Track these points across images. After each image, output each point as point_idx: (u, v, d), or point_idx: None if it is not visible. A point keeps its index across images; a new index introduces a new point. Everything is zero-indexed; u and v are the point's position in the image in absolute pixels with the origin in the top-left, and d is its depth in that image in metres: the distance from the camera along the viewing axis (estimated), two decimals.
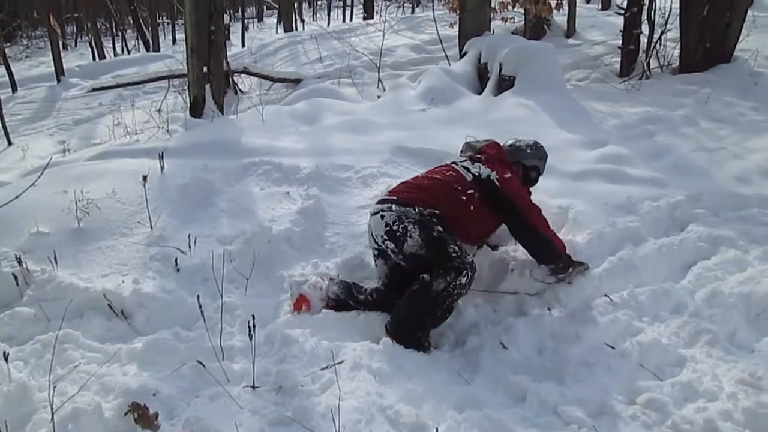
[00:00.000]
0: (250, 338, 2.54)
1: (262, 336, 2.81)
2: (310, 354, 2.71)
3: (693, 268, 3.31)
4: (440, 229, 2.97)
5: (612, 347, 2.79)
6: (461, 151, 3.45)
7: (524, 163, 3.39)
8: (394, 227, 2.98)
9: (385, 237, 3.01)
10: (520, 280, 3.27)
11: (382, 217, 3.03)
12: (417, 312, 2.87)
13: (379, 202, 3.16)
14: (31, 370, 2.66)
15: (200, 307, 2.69)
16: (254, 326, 2.52)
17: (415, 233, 2.94)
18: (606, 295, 3.12)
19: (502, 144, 3.44)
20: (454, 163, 3.29)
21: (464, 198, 3.09)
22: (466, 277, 2.88)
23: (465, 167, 3.21)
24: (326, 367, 2.62)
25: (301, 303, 3.09)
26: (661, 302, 3.09)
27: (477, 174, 3.15)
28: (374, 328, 2.98)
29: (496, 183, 3.12)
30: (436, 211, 3.02)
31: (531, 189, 3.46)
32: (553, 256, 3.17)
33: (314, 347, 2.75)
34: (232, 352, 2.77)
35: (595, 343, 2.83)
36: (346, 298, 3.13)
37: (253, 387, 2.51)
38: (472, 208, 3.10)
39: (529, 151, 3.41)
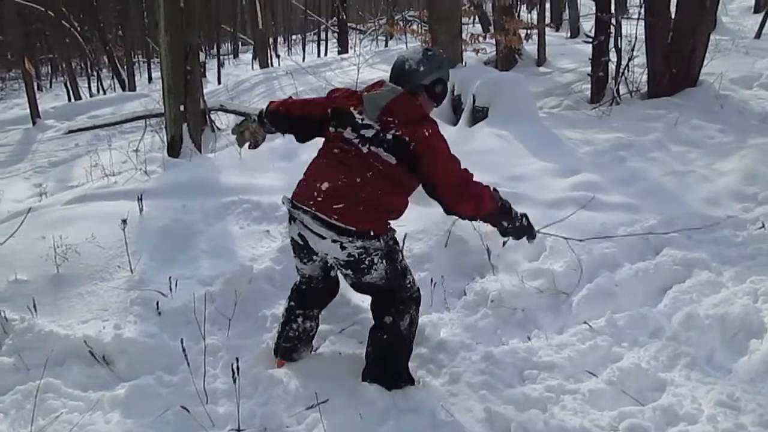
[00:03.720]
0: (234, 381, 2.53)
1: (246, 378, 2.80)
2: (294, 394, 2.72)
3: (669, 291, 3.39)
4: (401, 255, 2.84)
5: (593, 374, 2.83)
6: (360, 106, 2.70)
7: (424, 84, 2.73)
8: (360, 259, 2.65)
9: (342, 264, 2.71)
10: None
11: (343, 247, 2.63)
12: (395, 356, 2.83)
13: (332, 228, 2.58)
14: (12, 422, 2.63)
15: (184, 350, 2.69)
16: (238, 369, 2.52)
17: (381, 265, 2.70)
18: (585, 322, 3.18)
19: (392, 71, 2.77)
20: (367, 142, 2.63)
21: (400, 187, 2.69)
22: (420, 302, 2.88)
23: (385, 147, 2.60)
24: (311, 407, 2.63)
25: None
26: (640, 327, 3.15)
27: (398, 152, 2.60)
28: (358, 366, 2.98)
29: (417, 156, 2.59)
30: (390, 223, 2.74)
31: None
32: (487, 219, 2.81)
33: (298, 387, 2.75)
34: (216, 395, 2.76)
35: (577, 370, 2.87)
36: (304, 346, 3.05)
37: (239, 430, 2.50)
38: (402, 186, 2.71)
39: (422, 68, 2.71)
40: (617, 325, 3.14)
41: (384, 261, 2.70)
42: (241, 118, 3.19)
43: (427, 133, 2.64)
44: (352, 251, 2.63)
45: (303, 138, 3.00)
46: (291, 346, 3.00)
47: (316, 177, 2.70)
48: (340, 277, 2.96)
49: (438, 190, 2.64)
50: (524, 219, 2.89)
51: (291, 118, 2.94)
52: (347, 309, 3.41)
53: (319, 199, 2.62)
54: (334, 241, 2.62)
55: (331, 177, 2.64)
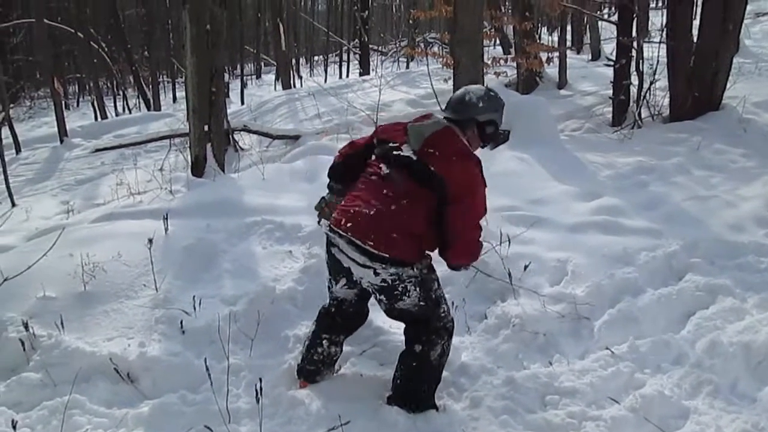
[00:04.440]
0: (257, 401, 2.56)
1: (269, 398, 2.83)
2: (316, 415, 2.74)
3: (692, 317, 3.37)
4: (437, 284, 2.84)
5: (615, 401, 2.81)
6: (405, 136, 2.79)
7: (478, 119, 2.86)
8: (393, 285, 2.70)
9: (376, 289, 2.76)
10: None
11: (377, 273, 2.68)
12: (423, 384, 2.83)
13: (366, 254, 2.64)
14: None
15: (207, 369, 2.72)
16: (261, 389, 2.55)
17: (415, 293, 2.72)
18: (607, 348, 3.17)
19: (451, 100, 2.94)
20: (403, 171, 2.71)
21: (434, 215, 2.70)
22: (452, 333, 2.88)
23: (420, 177, 2.67)
24: (332, 429, 2.64)
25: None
26: (662, 353, 3.13)
27: (432, 183, 2.66)
28: (379, 388, 2.99)
29: (448, 190, 2.64)
30: (425, 251, 2.79)
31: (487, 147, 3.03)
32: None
33: (320, 408, 2.77)
34: (239, 415, 2.79)
35: (599, 396, 2.86)
36: (328, 369, 3.08)
37: None
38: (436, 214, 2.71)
39: (481, 104, 2.85)
40: (640, 351, 3.13)
41: (418, 288, 2.73)
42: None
43: (463, 170, 2.68)
44: (385, 277, 2.68)
45: None
46: (315, 369, 3.02)
47: (354, 203, 2.76)
48: (371, 303, 3.01)
49: (451, 226, 2.68)
50: None
51: (346, 160, 3.03)
52: (368, 331, 3.41)
53: (355, 225, 2.68)
54: (367, 266, 2.67)
55: (368, 204, 2.70)
